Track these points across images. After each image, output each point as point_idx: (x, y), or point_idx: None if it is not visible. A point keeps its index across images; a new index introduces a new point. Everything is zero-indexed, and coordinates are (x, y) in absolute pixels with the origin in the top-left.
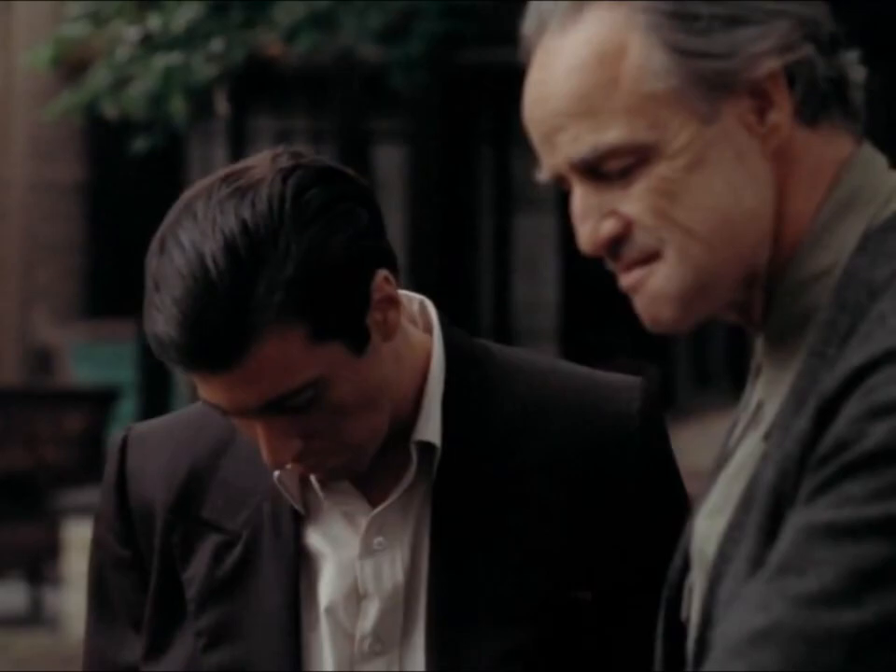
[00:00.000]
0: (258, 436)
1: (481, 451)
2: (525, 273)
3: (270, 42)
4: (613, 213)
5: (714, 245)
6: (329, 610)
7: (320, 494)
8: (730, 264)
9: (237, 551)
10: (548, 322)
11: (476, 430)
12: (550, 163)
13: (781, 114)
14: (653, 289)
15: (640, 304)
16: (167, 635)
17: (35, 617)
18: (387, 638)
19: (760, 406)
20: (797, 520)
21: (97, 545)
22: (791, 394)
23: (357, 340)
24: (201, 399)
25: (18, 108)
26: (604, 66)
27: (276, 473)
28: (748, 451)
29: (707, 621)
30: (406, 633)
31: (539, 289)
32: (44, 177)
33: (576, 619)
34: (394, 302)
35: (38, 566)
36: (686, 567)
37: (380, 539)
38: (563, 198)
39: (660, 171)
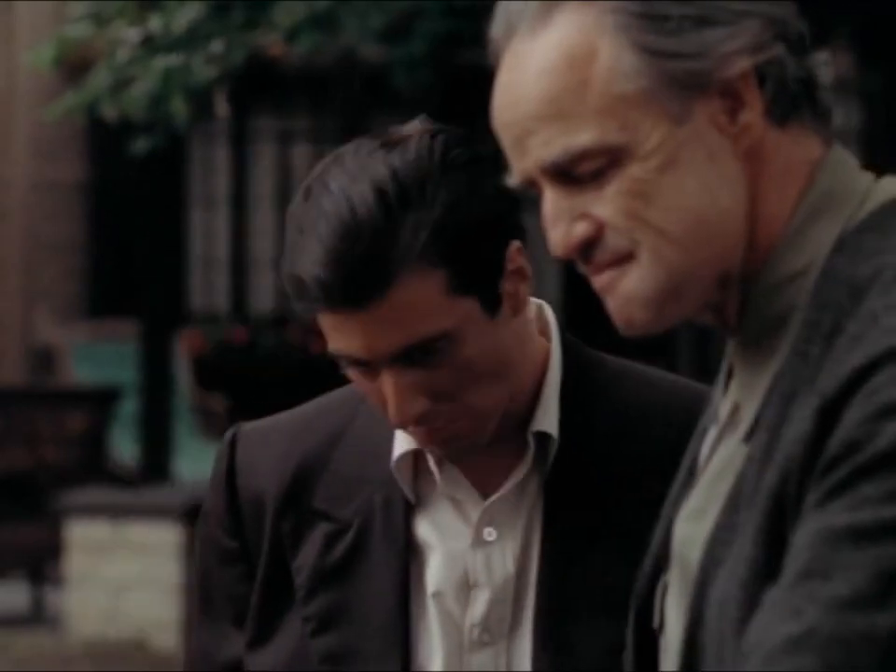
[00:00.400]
0: (383, 394)
1: (594, 447)
2: None
3: (271, 43)
4: (585, 216)
5: (688, 246)
6: (439, 599)
7: (437, 477)
8: (704, 265)
9: (348, 539)
10: None
11: (590, 427)
12: (520, 167)
13: (752, 114)
14: (626, 291)
15: (613, 306)
16: (274, 622)
17: (36, 617)
18: (495, 629)
19: (736, 409)
20: (813, 524)
21: (205, 543)
22: (773, 394)
23: (492, 300)
24: (331, 351)
25: (19, 108)
26: (574, 69)
27: (393, 461)
28: (727, 454)
29: (696, 622)
30: (514, 624)
31: (541, 287)
32: (46, 177)
33: None
34: (525, 276)
35: (39, 565)
36: (655, 574)
37: (490, 529)
38: None
39: (632, 172)
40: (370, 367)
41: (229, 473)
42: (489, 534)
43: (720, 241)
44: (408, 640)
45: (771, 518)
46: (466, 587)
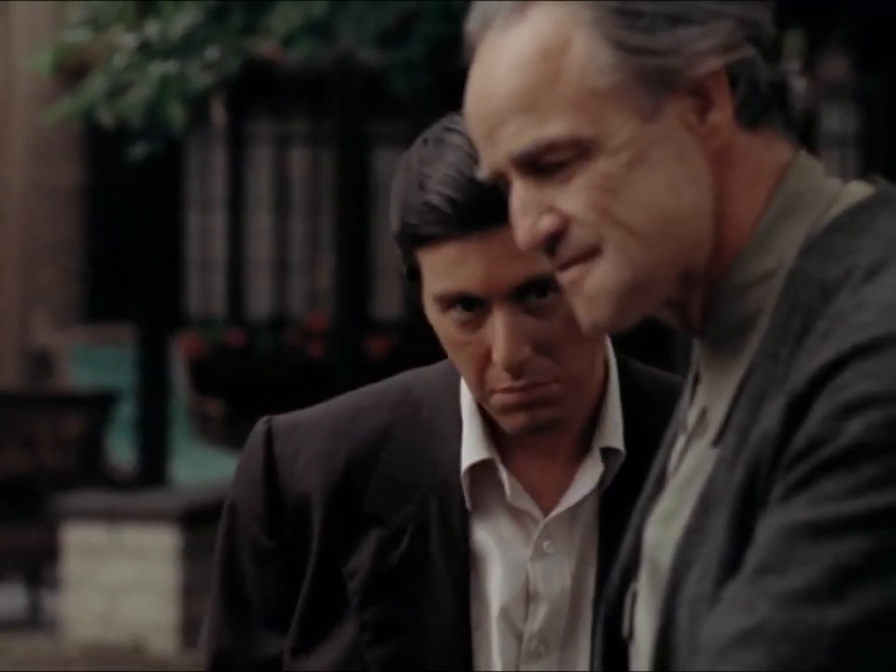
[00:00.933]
0: (482, 346)
1: (649, 460)
2: None
3: (268, 46)
4: (552, 209)
5: (652, 243)
6: (503, 610)
7: (507, 487)
8: (667, 262)
9: (403, 544)
10: None
11: (646, 440)
12: (490, 160)
13: (722, 114)
14: (592, 287)
15: (579, 305)
16: (323, 628)
17: (33, 620)
18: (551, 641)
19: (703, 413)
20: (774, 520)
21: (234, 538)
22: (742, 396)
23: None
24: (441, 294)
25: (17, 111)
26: (547, 61)
27: (464, 469)
28: (697, 458)
29: (668, 624)
30: (569, 637)
31: None
32: (43, 180)
33: None
34: None
35: (37, 569)
36: (624, 584)
37: (548, 542)
38: None
39: (600, 167)
40: (482, 306)
41: (267, 469)
42: (548, 547)
43: (684, 239)
44: (470, 651)
45: (740, 515)
46: (526, 599)
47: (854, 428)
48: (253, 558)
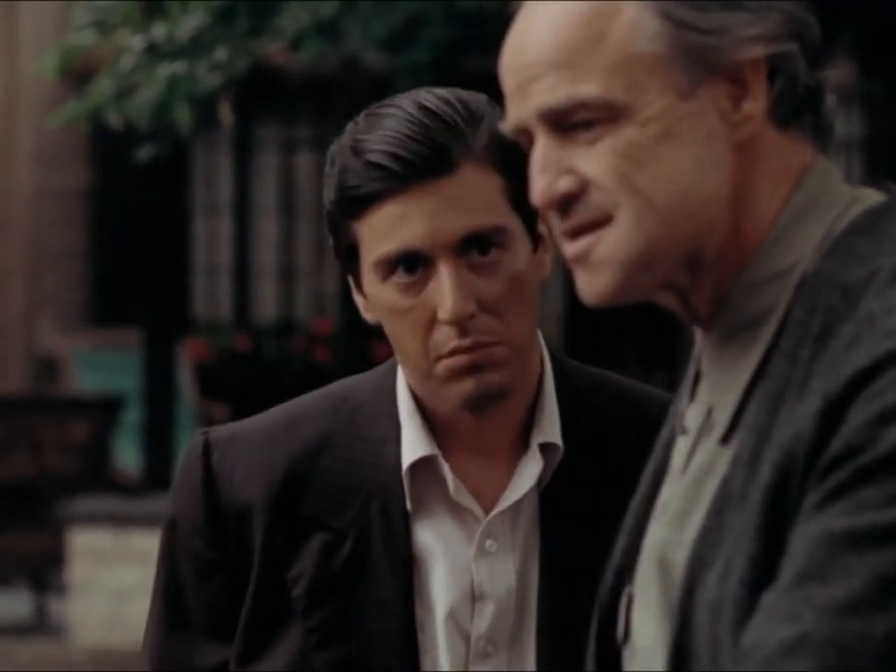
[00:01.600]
0: (429, 307)
1: (588, 458)
2: None
3: (275, 50)
4: (572, 170)
5: (668, 218)
6: (449, 612)
7: (450, 483)
8: (678, 241)
9: (346, 548)
10: (555, 329)
11: (581, 437)
12: (517, 114)
13: (756, 105)
14: (601, 254)
15: (584, 275)
16: (268, 635)
17: (39, 625)
18: (499, 640)
19: (709, 412)
20: (812, 527)
21: (176, 550)
22: (757, 394)
23: (532, 231)
24: (385, 255)
25: (23, 115)
26: (593, 21)
27: (405, 467)
28: (707, 457)
29: (684, 626)
30: (517, 635)
31: (545, 297)
32: (49, 184)
33: None
34: (548, 246)
35: (42, 573)
36: (618, 587)
37: (491, 541)
38: None
39: (628, 134)
40: (426, 266)
41: (206, 481)
42: (490, 545)
43: (698, 221)
44: (416, 652)
45: (769, 516)
46: (472, 598)
47: (892, 436)
48: (195, 570)
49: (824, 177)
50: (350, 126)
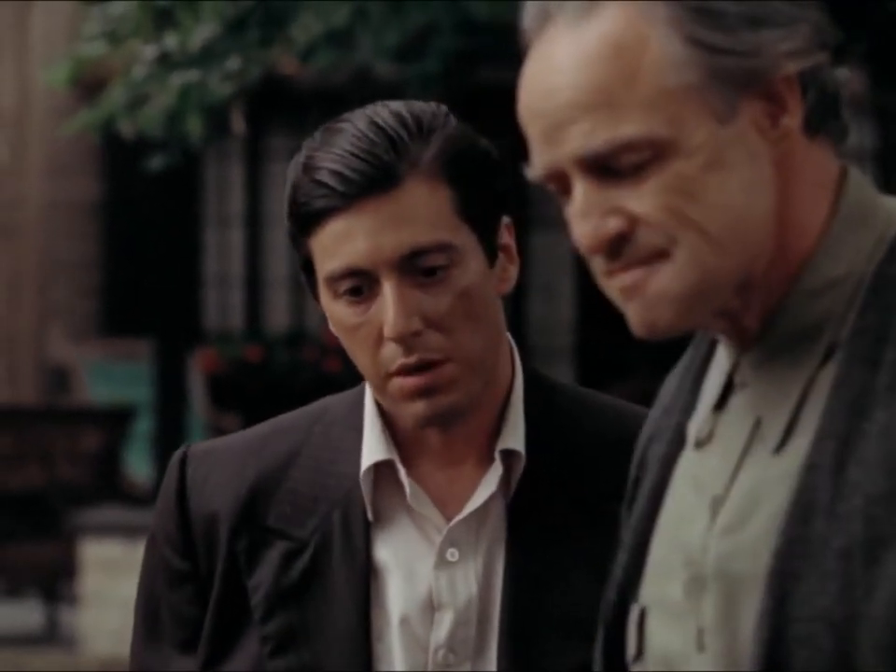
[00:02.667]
0: (376, 325)
1: (556, 468)
2: (542, 292)
3: (286, 60)
4: (618, 210)
5: (725, 247)
6: (403, 620)
7: (407, 488)
8: (735, 268)
9: (305, 558)
10: (564, 341)
11: (552, 449)
12: (549, 159)
13: (793, 120)
14: (656, 290)
15: (637, 307)
16: (229, 643)
17: (50, 635)
18: (461, 650)
19: (758, 423)
20: None
21: (152, 564)
22: (834, 402)
23: (489, 245)
24: (331, 274)
25: (34, 125)
26: (623, 58)
27: (362, 471)
28: (760, 469)
29: (779, 639)
30: (479, 646)
31: (555, 308)
32: (60, 195)
33: None
34: (513, 258)
35: (54, 584)
36: (622, 602)
37: (453, 550)
38: None
39: (677, 168)
40: (371, 284)
41: (179, 493)
42: (452, 555)
43: (753, 245)
44: (370, 661)
45: (879, 522)
46: (430, 608)
47: None
48: (167, 581)
49: (861, 184)
50: (307, 141)
